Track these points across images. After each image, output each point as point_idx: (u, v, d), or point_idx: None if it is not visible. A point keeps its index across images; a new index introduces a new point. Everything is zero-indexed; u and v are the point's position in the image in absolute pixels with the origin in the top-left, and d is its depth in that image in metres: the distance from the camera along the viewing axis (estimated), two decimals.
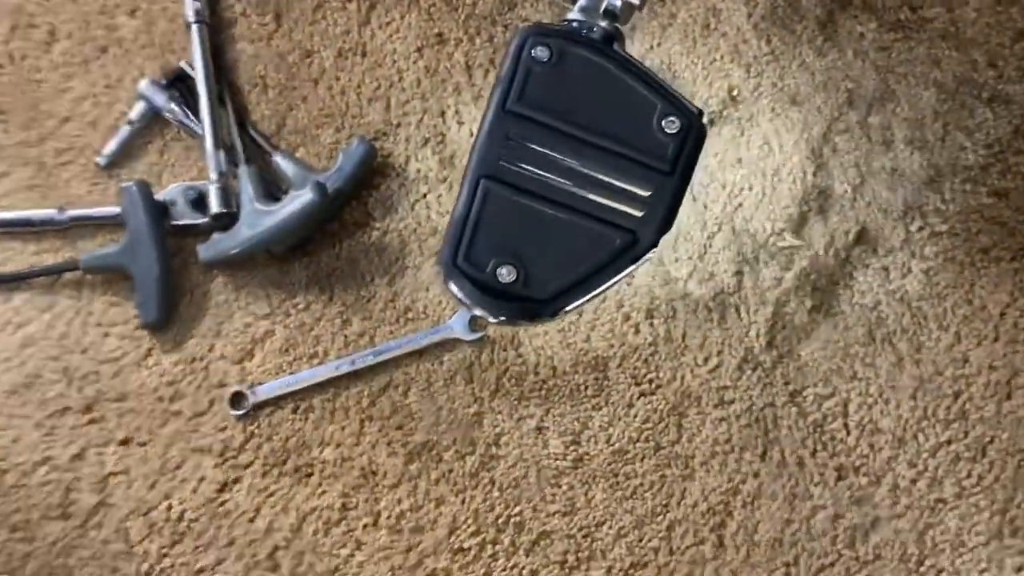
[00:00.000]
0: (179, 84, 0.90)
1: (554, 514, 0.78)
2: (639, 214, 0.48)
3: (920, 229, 0.81)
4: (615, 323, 0.81)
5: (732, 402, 0.79)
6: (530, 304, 0.49)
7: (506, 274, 0.48)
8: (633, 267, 0.49)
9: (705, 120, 0.50)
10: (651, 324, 0.81)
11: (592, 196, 0.48)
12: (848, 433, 0.78)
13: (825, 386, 0.79)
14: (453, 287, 0.50)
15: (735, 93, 0.85)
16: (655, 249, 0.49)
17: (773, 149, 0.84)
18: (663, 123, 0.49)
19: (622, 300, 0.81)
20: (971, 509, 0.77)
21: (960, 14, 0.85)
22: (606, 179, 0.48)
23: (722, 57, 0.86)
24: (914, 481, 0.77)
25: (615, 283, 0.50)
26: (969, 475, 0.77)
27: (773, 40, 0.85)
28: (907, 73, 0.84)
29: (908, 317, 0.80)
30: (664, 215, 0.49)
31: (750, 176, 0.83)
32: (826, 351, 0.79)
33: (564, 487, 0.79)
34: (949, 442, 0.77)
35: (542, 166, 0.48)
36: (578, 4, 0.52)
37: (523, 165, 0.48)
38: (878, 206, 0.82)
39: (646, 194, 0.49)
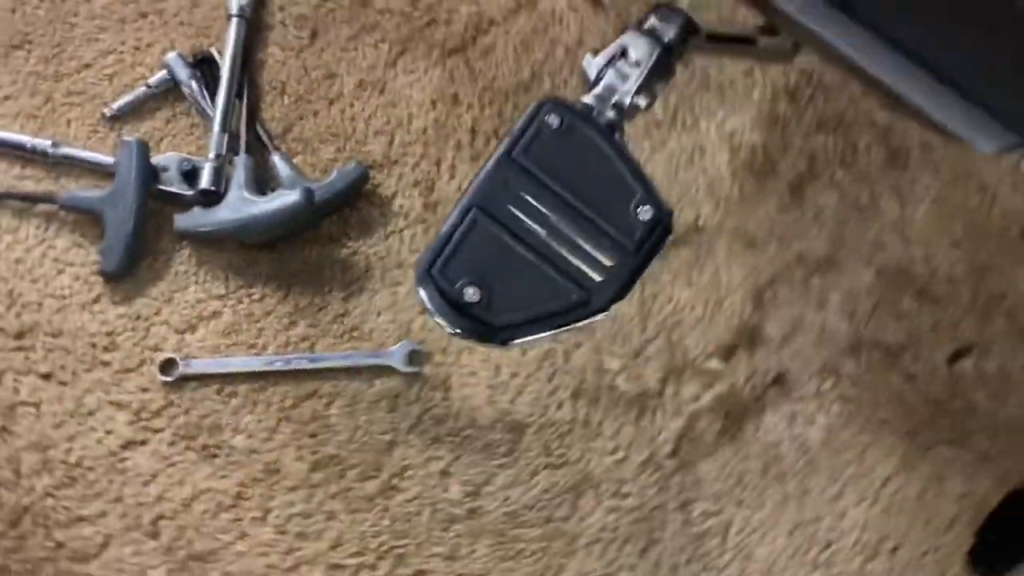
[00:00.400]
0: (204, 66, 0.95)
1: (436, 556, 0.81)
2: (598, 279, 0.54)
3: (832, 388, 0.88)
4: (542, 394, 0.86)
5: (628, 495, 0.84)
6: (485, 326, 0.54)
7: (471, 294, 0.54)
8: (580, 323, 0.55)
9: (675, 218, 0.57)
10: (574, 404, 0.86)
11: (563, 251, 0.54)
12: (724, 553, 0.83)
13: (714, 504, 0.84)
14: (422, 292, 0.54)
15: (700, 223, 0.93)
16: (604, 314, 0.55)
17: (722, 281, 0.91)
18: (639, 209, 0.55)
19: (554, 374, 0.86)
20: None
21: (911, 212, 0.95)
22: (578, 240, 0.54)
23: (698, 190, 0.94)
24: None
25: (561, 332, 0.56)
26: None
27: (745, 187, 0.94)
28: (854, 249, 0.93)
29: (803, 462, 0.86)
30: (619, 287, 0.55)
31: (695, 299, 0.90)
32: (723, 472, 0.85)
33: (452, 533, 0.82)
34: (810, 566, 0.82)
35: (527, 213, 0.54)
36: (593, 91, 0.59)
37: (511, 207, 0.54)
38: (800, 357, 0.89)
39: (608, 264, 0.55)
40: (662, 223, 0.56)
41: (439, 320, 0.54)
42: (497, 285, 0.53)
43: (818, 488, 0.85)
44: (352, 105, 0.95)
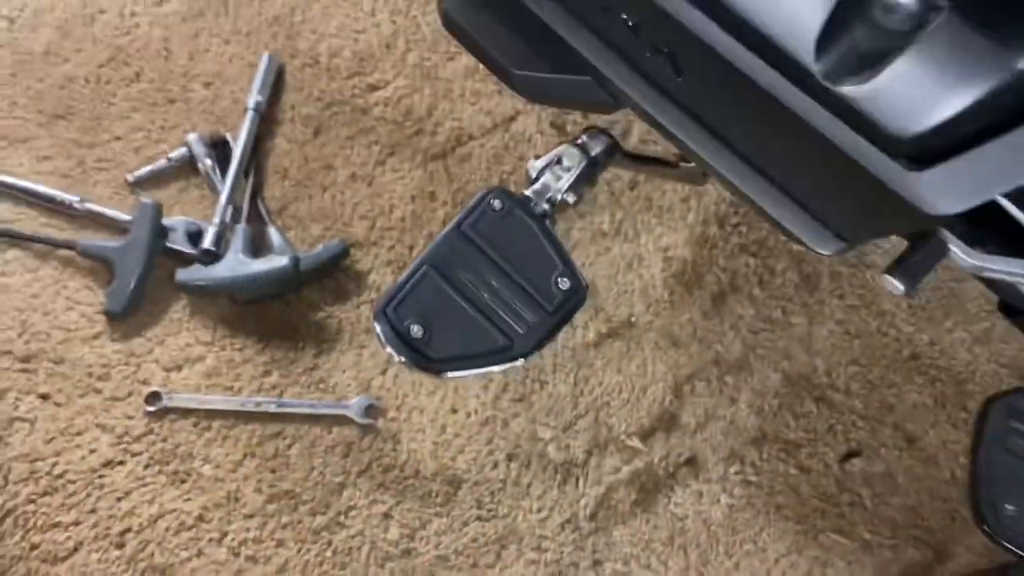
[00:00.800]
0: (218, 148, 1.10)
1: None
2: (521, 331, 0.67)
3: (736, 473, 1.00)
4: (480, 454, 0.97)
5: (547, 550, 0.94)
6: (425, 358, 0.66)
7: (416, 331, 0.66)
8: (502, 366, 0.67)
9: (587, 291, 0.70)
10: (508, 466, 0.97)
11: (494, 305, 0.67)
12: None
13: (624, 565, 0.94)
14: (377, 327, 0.67)
15: (633, 319, 1.07)
16: (522, 361, 0.68)
17: (647, 371, 1.04)
18: (559, 279, 0.69)
19: (492, 438, 0.98)
20: None
21: (816, 330, 1.09)
22: (507, 298, 0.67)
23: (633, 292, 1.08)
24: None
25: (486, 372, 0.68)
26: None
27: (674, 294, 1.09)
28: (764, 356, 1.07)
29: (705, 536, 0.97)
30: (537, 340, 0.67)
31: (623, 384, 1.03)
32: (633, 538, 0.96)
33: (387, 570, 0.91)
34: None
35: (468, 272, 0.67)
36: (532, 187, 0.74)
37: (456, 267, 0.68)
38: (711, 444, 1.01)
39: (531, 320, 0.67)
40: (579, 292, 0.70)
41: (389, 350, 0.67)
42: (437, 327, 0.66)
43: (716, 560, 0.96)
44: (343, 193, 1.10)
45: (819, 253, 0.62)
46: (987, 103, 0.49)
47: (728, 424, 1.02)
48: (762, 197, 0.61)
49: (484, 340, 0.67)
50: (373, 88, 1.16)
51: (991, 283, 0.81)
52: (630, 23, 0.61)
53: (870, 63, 0.51)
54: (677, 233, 1.12)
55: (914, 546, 0.99)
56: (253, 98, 1.12)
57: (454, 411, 0.99)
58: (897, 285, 0.73)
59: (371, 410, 0.97)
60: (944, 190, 0.51)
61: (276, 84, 1.15)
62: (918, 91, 0.50)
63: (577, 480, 0.98)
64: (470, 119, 1.16)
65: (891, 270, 0.74)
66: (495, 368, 0.67)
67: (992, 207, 0.76)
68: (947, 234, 0.75)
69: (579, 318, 1.06)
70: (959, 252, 0.75)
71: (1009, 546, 0.77)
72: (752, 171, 0.61)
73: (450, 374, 0.67)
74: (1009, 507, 0.75)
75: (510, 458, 0.98)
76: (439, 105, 1.16)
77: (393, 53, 1.19)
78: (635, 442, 1.00)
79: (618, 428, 1.01)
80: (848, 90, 0.51)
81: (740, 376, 1.05)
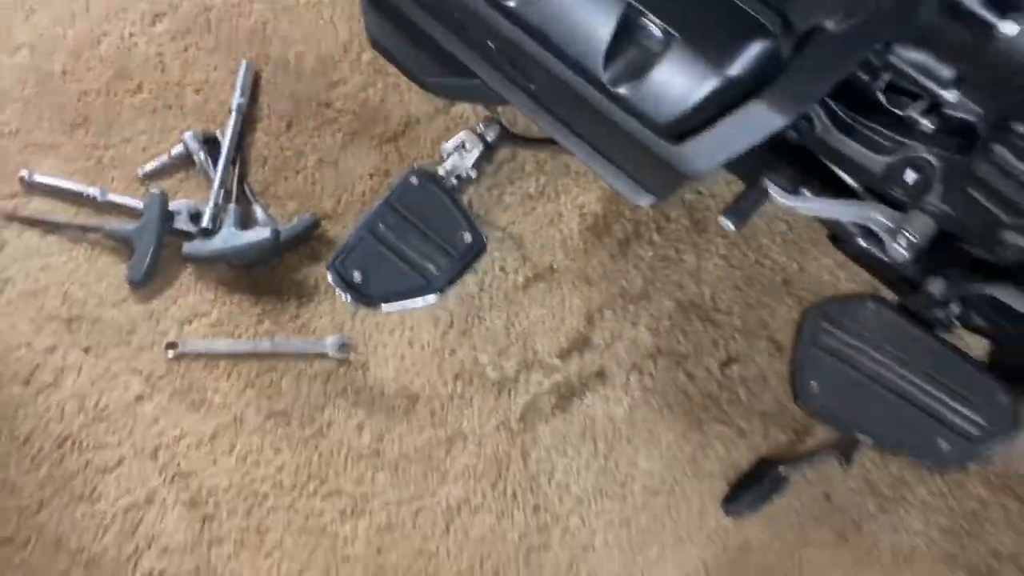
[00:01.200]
0: (210, 143, 1.35)
1: (348, 481, 1.17)
2: (436, 273, 0.92)
3: (636, 381, 1.26)
4: (432, 376, 1.23)
5: (486, 446, 1.20)
6: (364, 296, 0.92)
7: (357, 277, 0.92)
8: (422, 299, 0.92)
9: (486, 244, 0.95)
10: (454, 384, 1.23)
11: (411, 253, 0.92)
12: (550, 486, 1.19)
13: (546, 454, 1.20)
14: (330, 275, 0.92)
15: (554, 266, 1.32)
16: (436, 296, 0.93)
17: (565, 306, 1.29)
18: (463, 234, 0.94)
19: (442, 363, 1.24)
20: None
21: (704, 264, 1.34)
22: (424, 250, 0.92)
23: (554, 243, 1.33)
24: (576, 530, 1.17)
25: (410, 305, 0.93)
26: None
27: (588, 243, 1.34)
28: (661, 287, 1.32)
29: (611, 430, 1.23)
30: (447, 280, 0.93)
31: (546, 316, 1.29)
32: (554, 434, 1.22)
33: (360, 467, 1.18)
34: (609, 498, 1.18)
35: (393, 232, 0.93)
36: (443, 166, 0.98)
37: (384, 229, 0.93)
38: (616, 359, 1.27)
39: (442, 264, 0.93)
40: (478, 243, 0.95)
41: (337, 291, 0.92)
42: (372, 273, 0.91)
43: (619, 448, 1.22)
44: (313, 174, 1.35)
45: (638, 204, 0.87)
46: (712, 98, 0.73)
47: (630, 343, 1.28)
48: (595, 164, 0.85)
49: (407, 281, 0.92)
50: (334, 85, 1.41)
51: (820, 220, 1.06)
52: (492, 45, 0.85)
53: (638, 73, 0.75)
54: (590, 193, 1.37)
55: (780, 431, 1.25)
56: (236, 100, 1.37)
57: (410, 344, 1.25)
58: (728, 224, 0.99)
59: (344, 347, 1.23)
60: (693, 157, 0.76)
61: (254, 87, 1.40)
62: (668, 91, 0.74)
63: (509, 392, 1.24)
64: (416, 107, 1.40)
65: (724, 212, 1.00)
66: (418, 300, 0.93)
67: (811, 163, 1.01)
68: (767, 182, 1.00)
69: (509, 266, 1.31)
70: (776, 196, 1.00)
71: (815, 413, 1.03)
72: (587, 146, 0.86)
73: (384, 307, 0.93)
74: (815, 384, 1.00)
75: (456, 378, 1.24)
76: (390, 97, 1.40)
77: (350, 55, 1.43)
78: (556, 361, 1.26)
79: (542, 351, 1.27)
80: (625, 91, 0.76)
81: (640, 304, 1.31)
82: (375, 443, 1.19)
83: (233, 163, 1.34)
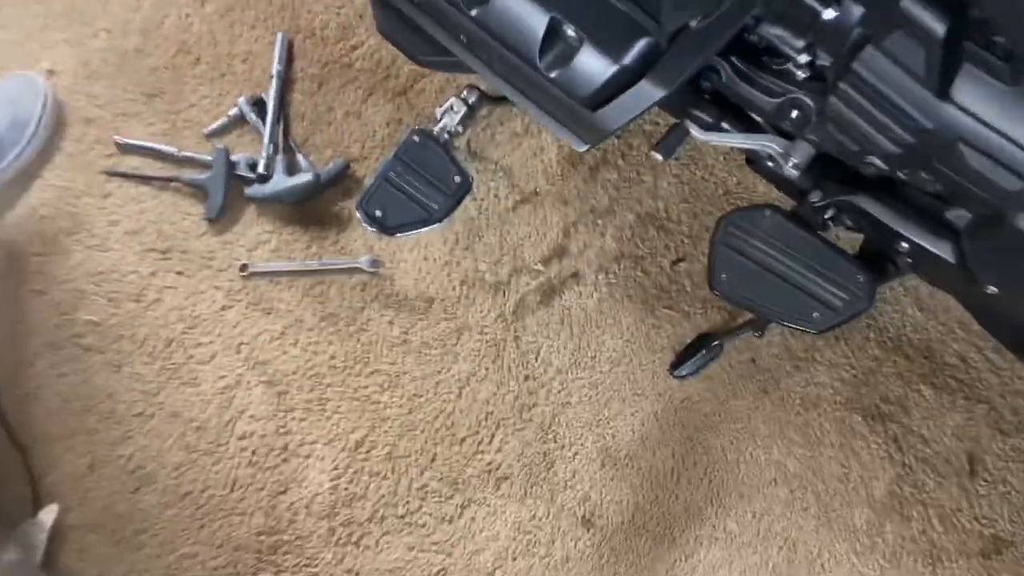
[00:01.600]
0: (258, 104, 1.69)
1: (385, 362, 1.55)
2: (435, 207, 1.27)
3: (603, 279, 1.61)
4: (444, 282, 1.59)
5: (487, 334, 1.57)
6: (384, 227, 1.27)
7: (378, 213, 1.27)
8: (427, 227, 1.27)
9: (471, 181, 1.29)
10: (461, 287, 1.59)
11: (416, 194, 1.26)
12: (536, 362, 1.56)
13: (532, 338, 1.57)
14: (357, 213, 1.27)
15: (537, 190, 1.66)
16: (438, 224, 1.27)
17: (547, 222, 1.64)
18: (455, 177, 1.28)
19: (451, 272, 1.60)
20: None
21: (660, 182, 1.66)
22: (425, 191, 1.26)
23: (537, 172, 1.66)
24: (557, 392, 1.55)
25: (418, 231, 1.29)
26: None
27: (564, 170, 1.67)
28: (624, 203, 1.65)
29: (583, 317, 1.59)
30: (445, 211, 1.27)
31: (531, 232, 1.63)
32: (539, 322, 1.58)
33: (393, 353, 1.56)
34: (581, 368, 1.55)
35: (402, 180, 1.27)
36: (437, 125, 1.31)
37: (395, 177, 1.27)
38: (587, 263, 1.62)
39: (439, 199, 1.27)
40: (466, 182, 1.29)
41: (364, 225, 1.27)
42: (390, 209, 1.26)
43: (590, 330, 1.58)
44: (341, 125, 1.69)
45: (577, 149, 1.21)
46: (612, 80, 1.06)
47: (599, 249, 1.63)
48: (543, 120, 1.17)
49: (415, 214, 1.27)
50: (353, 48, 1.73)
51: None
52: (463, 38, 1.18)
53: (563, 62, 1.08)
54: None
55: (717, 312, 1.60)
56: (275, 67, 1.70)
57: (425, 259, 1.61)
58: (658, 156, 1.32)
59: (375, 263, 1.59)
60: (606, 120, 1.09)
61: (289, 54, 1.72)
62: (584, 76, 1.06)
63: (504, 292, 1.59)
64: None
65: (654, 147, 1.33)
66: (423, 229, 1.28)
67: (724, 105, 1.33)
68: (688, 122, 1.32)
69: (501, 192, 1.65)
70: (694, 132, 1.32)
71: (725, 297, 1.37)
72: (536, 107, 1.18)
73: (398, 235, 1.28)
74: (724, 276, 1.34)
75: (462, 283, 1.60)
76: (399, 56, 1.72)
77: (365, 20, 1.74)
78: (539, 266, 1.61)
79: (528, 259, 1.62)
80: (556, 75, 1.08)
81: (607, 218, 1.64)
82: (403, 334, 1.57)
83: (278, 120, 1.68)
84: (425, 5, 1.19)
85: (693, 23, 1.04)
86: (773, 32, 1.12)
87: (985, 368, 1.55)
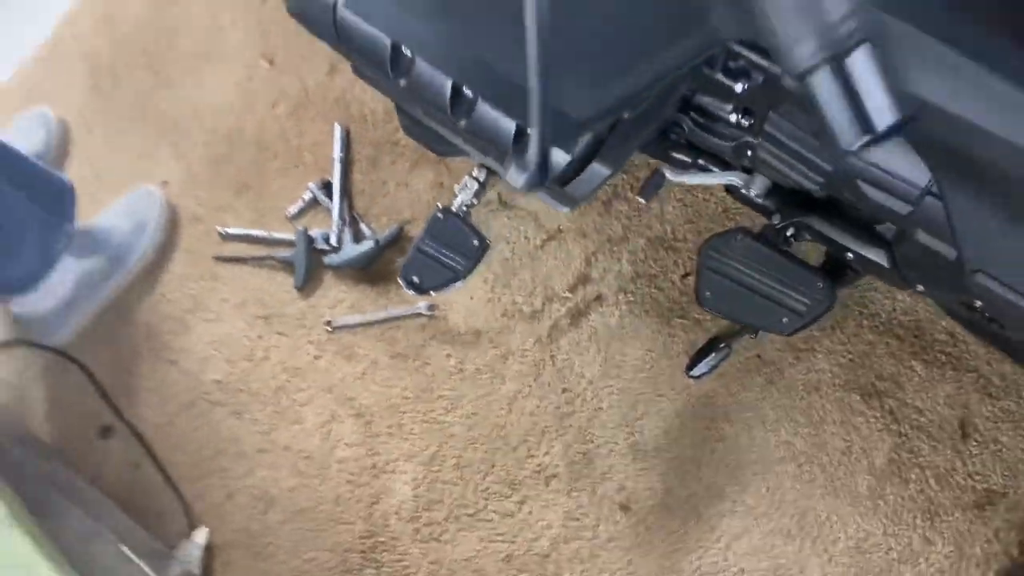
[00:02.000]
0: (327, 186, 2.05)
1: (446, 389, 1.88)
2: (460, 268, 1.58)
3: (623, 299, 1.88)
4: (489, 317, 1.91)
5: (527, 355, 1.87)
6: (420, 289, 1.60)
7: (415, 279, 1.60)
8: (454, 285, 1.58)
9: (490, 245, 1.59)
10: (503, 319, 1.90)
11: (445, 259, 1.57)
12: (572, 376, 1.85)
13: (567, 356, 1.86)
14: (400, 281, 1.61)
15: (560, 228, 1.95)
16: (462, 284, 1.59)
17: (571, 255, 1.92)
18: (474, 241, 1.59)
19: (493, 307, 1.91)
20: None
21: (666, 208, 1.92)
22: (451, 256, 1.57)
23: (557, 213, 1.95)
24: (591, 400, 1.83)
25: (448, 289, 1.61)
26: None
27: (583, 209, 1.95)
28: (635, 230, 1.92)
29: (607, 333, 1.86)
30: (469, 270, 1.57)
31: (557, 264, 1.92)
32: (570, 342, 1.87)
33: (452, 380, 1.88)
34: (610, 378, 1.83)
35: (432, 249, 1.59)
36: (455, 201, 1.63)
37: (427, 248, 1.59)
38: (608, 286, 1.89)
39: (464, 261, 1.58)
40: (484, 245, 1.60)
41: (406, 290, 1.60)
42: (425, 275, 1.58)
43: (615, 344, 1.86)
44: (393, 195, 2.03)
45: (561, 212, 1.49)
46: (570, 165, 1.34)
47: (617, 273, 1.90)
48: (538, 198, 1.48)
49: (443, 276, 1.59)
50: (397, 129, 2.06)
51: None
52: (462, 138, 1.48)
53: (467, 111, 1.35)
54: None
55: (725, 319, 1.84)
56: (336, 154, 2.06)
57: (471, 298, 1.93)
58: (641, 199, 1.60)
59: (431, 308, 1.92)
60: (573, 192, 1.37)
61: (346, 140, 2.08)
62: (554, 163, 1.36)
63: (539, 319, 1.90)
64: None
65: (638, 192, 1.61)
66: (454, 287, 1.59)
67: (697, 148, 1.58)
68: (662, 167, 1.59)
69: (530, 234, 1.95)
70: (668, 175, 1.59)
71: (711, 311, 1.62)
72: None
73: (432, 294, 1.60)
74: (708, 293, 1.60)
75: (503, 315, 1.91)
76: None
77: None
78: (567, 294, 1.90)
79: (557, 288, 1.91)
80: (464, 124, 1.36)
81: (622, 245, 1.92)
82: (458, 364, 1.89)
83: (342, 197, 2.04)
84: (431, 115, 1.51)
85: (625, 116, 1.32)
86: (705, 100, 1.38)
87: (972, 340, 1.73)
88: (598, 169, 1.35)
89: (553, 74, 0.87)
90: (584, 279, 1.91)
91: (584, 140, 1.34)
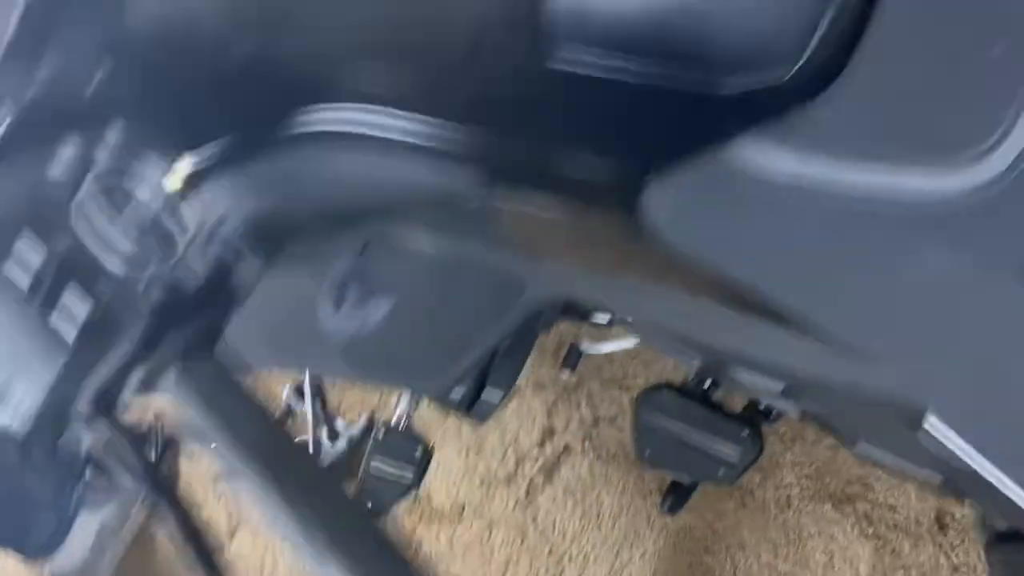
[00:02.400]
0: (299, 390, 2.17)
1: (444, 570, 1.96)
2: (411, 476, 1.67)
3: (589, 444, 1.93)
4: (467, 487, 1.98)
5: (510, 523, 1.94)
6: (380, 505, 1.69)
7: (370, 504, 1.68)
8: (409, 496, 1.67)
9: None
10: (480, 488, 1.98)
11: (394, 473, 1.67)
12: (554, 531, 1.91)
13: (545, 514, 1.92)
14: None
15: (519, 384, 2.02)
16: (417, 490, 1.67)
17: (532, 409, 1.99)
18: (416, 452, 1.67)
19: (471, 477, 1.98)
20: None
21: (612, 354, 1.97)
22: (400, 457, 1.67)
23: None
24: (576, 556, 1.88)
25: (402, 501, 1.69)
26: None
27: (534, 360, 2.01)
28: (587, 372, 1.97)
29: (581, 483, 1.92)
30: (419, 478, 1.66)
31: (522, 421, 1.99)
32: (547, 498, 1.92)
33: (445, 562, 1.96)
34: (589, 529, 1.88)
35: (379, 466, 1.69)
36: (394, 418, 1.72)
37: (376, 466, 1.69)
38: (571, 435, 1.95)
39: (413, 469, 1.67)
40: (425, 454, 1.68)
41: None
42: (378, 495, 1.68)
43: (590, 493, 1.91)
44: (362, 384, 2.13)
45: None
46: (467, 393, 1.42)
47: (579, 421, 1.96)
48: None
49: (397, 491, 1.67)
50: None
51: None
52: None
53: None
54: None
55: None
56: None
57: (449, 472, 2.01)
58: (564, 375, 1.65)
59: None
60: (481, 414, 1.45)
61: None
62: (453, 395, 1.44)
63: (514, 481, 1.96)
64: None
65: (560, 367, 1.66)
66: (409, 496, 1.68)
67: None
68: (580, 342, 1.65)
69: None
70: (584, 348, 1.65)
71: (651, 467, 1.66)
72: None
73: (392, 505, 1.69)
74: (647, 451, 1.64)
75: (481, 483, 1.98)
76: None
77: None
78: (535, 450, 1.97)
79: (526, 446, 1.97)
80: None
81: (578, 391, 1.97)
82: (448, 542, 1.97)
83: (314, 400, 2.14)
84: None
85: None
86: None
87: None
88: (492, 392, 1.42)
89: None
90: (549, 432, 1.97)
91: (465, 386, 1.42)
